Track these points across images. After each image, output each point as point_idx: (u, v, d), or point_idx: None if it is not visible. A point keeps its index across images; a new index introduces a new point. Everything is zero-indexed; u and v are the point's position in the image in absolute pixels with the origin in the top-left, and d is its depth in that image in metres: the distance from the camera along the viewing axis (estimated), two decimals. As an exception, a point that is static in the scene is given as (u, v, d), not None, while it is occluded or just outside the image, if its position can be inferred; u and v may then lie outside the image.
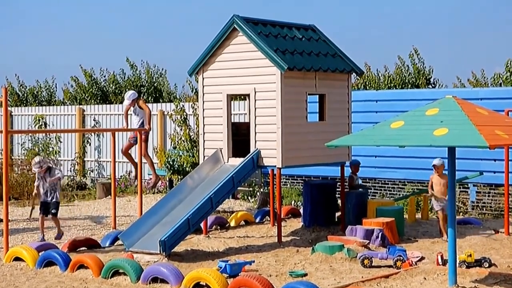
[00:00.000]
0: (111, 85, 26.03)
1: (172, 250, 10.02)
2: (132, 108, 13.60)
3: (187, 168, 15.86)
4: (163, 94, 25.95)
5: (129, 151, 13.95)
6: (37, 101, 27.36)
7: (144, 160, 13.07)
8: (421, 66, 21.42)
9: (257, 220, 13.39)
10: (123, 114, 14.95)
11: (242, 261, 9.24)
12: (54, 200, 11.42)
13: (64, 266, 9.42)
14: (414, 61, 21.46)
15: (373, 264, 9.35)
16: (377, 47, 43.90)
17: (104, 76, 26.31)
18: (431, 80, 21.71)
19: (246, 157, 11.14)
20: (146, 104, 13.78)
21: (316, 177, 16.41)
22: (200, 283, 8.34)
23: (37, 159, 11.41)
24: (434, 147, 7.61)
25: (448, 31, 45.58)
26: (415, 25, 46.60)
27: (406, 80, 21.32)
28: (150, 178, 14.20)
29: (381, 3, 49.06)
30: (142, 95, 25.17)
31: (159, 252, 9.80)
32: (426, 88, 20.95)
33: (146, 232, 10.36)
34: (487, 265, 9.04)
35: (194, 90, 22.57)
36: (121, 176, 19.68)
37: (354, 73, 12.30)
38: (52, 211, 11.43)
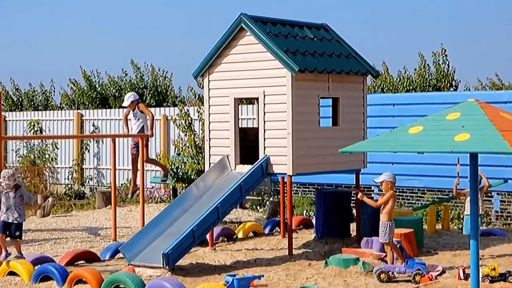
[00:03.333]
0: (111, 88, 26.09)
1: (176, 264, 10.02)
2: (132, 112, 13.64)
3: (192, 176, 15.88)
4: (168, 98, 25.99)
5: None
6: (32, 106, 27.46)
7: (149, 165, 13.15)
8: (446, 68, 21.38)
9: (267, 232, 13.40)
10: (123, 119, 15.00)
11: (250, 275, 9.24)
12: (17, 221, 10.13)
13: (61, 281, 9.43)
14: (438, 62, 21.43)
15: (390, 279, 9.33)
16: (395, 48, 43.86)
17: (102, 79, 26.39)
18: (453, 82, 21.71)
19: (254, 164, 11.15)
20: (148, 108, 13.84)
21: (329, 185, 16.40)
22: (206, 298, 8.34)
23: (10, 171, 10.23)
24: (455, 154, 7.60)
25: (468, 30, 45.51)
26: (435, 24, 46.56)
27: (427, 82, 21.31)
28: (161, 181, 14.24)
29: (396, 1, 49.05)
30: (144, 98, 25.22)
31: (162, 266, 9.81)
32: (448, 91, 20.93)
33: (149, 245, 10.37)
34: (512, 280, 9.02)
35: (196, 96, 22.64)
36: (121, 184, 19.71)
37: (369, 75, 12.30)
38: (16, 233, 10.16)
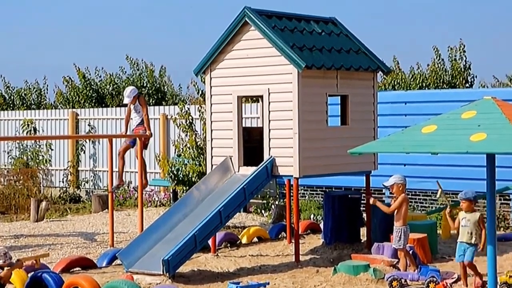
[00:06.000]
0: (108, 86, 26.13)
1: (176, 271, 10.03)
2: (132, 106, 13.69)
3: (193, 178, 15.89)
4: (166, 96, 26.00)
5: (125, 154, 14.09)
6: (25, 105, 27.49)
7: (148, 167, 13.13)
8: (462, 65, 21.33)
9: (272, 237, 13.40)
10: (123, 119, 15.01)
11: (255, 282, 9.25)
12: None
13: (56, 288, 9.44)
14: (454, 57, 21.38)
15: (403, 286, 9.32)
16: (407, 43, 43.83)
17: (100, 76, 26.43)
18: (469, 79, 21.66)
19: (259, 166, 11.16)
20: (147, 105, 13.86)
21: (338, 188, 16.39)
22: (208, 307, 8.36)
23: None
24: (470, 154, 7.59)
25: (484, 24, 45.46)
26: (449, 16, 46.54)
27: (441, 79, 21.28)
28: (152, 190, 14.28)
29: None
30: (144, 96, 25.25)
31: (162, 273, 9.82)
32: (464, 88, 20.90)
33: (148, 251, 10.39)
34: (531, 287, 9.00)
35: (200, 92, 22.63)
36: (113, 189, 19.68)
37: (380, 72, 12.29)
38: None
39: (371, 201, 10.20)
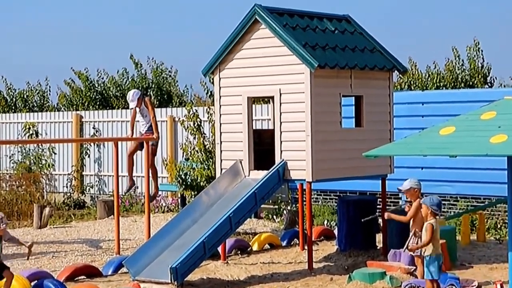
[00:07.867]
0: (112, 87, 26.18)
1: (185, 279, 10.04)
2: (138, 109, 13.66)
3: (201, 183, 15.90)
4: (172, 97, 26.03)
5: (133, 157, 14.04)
6: (27, 107, 27.58)
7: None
8: (480, 63, 21.32)
9: (284, 243, 13.40)
10: (129, 121, 15.01)
11: (266, 291, 9.26)
12: None
13: (60, 297, 9.48)
14: (471, 56, 21.37)
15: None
16: (423, 41, 43.76)
17: (103, 79, 26.49)
18: (488, 78, 21.62)
19: (270, 170, 11.16)
20: (153, 107, 13.83)
21: (352, 192, 16.38)
22: (218, 317, 8.37)
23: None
24: (490, 157, 7.59)
25: (505, 21, 45.38)
26: (467, 14, 46.46)
27: (459, 78, 21.25)
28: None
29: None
30: (149, 96, 25.27)
31: (170, 281, 9.83)
32: (482, 87, 20.86)
33: (155, 258, 10.40)
34: (555, 295, 8.96)
35: (209, 93, 22.65)
36: (125, 192, 19.75)
37: (396, 71, 12.28)
38: None
39: (386, 216, 10.24)
